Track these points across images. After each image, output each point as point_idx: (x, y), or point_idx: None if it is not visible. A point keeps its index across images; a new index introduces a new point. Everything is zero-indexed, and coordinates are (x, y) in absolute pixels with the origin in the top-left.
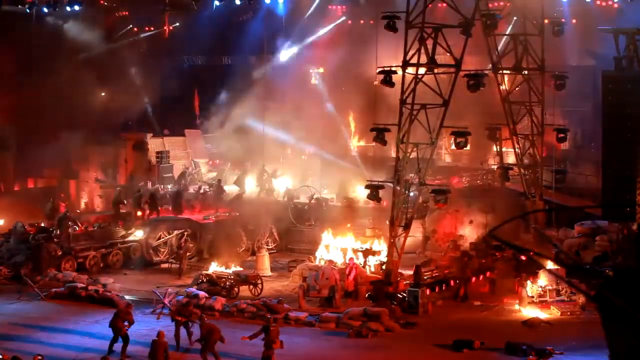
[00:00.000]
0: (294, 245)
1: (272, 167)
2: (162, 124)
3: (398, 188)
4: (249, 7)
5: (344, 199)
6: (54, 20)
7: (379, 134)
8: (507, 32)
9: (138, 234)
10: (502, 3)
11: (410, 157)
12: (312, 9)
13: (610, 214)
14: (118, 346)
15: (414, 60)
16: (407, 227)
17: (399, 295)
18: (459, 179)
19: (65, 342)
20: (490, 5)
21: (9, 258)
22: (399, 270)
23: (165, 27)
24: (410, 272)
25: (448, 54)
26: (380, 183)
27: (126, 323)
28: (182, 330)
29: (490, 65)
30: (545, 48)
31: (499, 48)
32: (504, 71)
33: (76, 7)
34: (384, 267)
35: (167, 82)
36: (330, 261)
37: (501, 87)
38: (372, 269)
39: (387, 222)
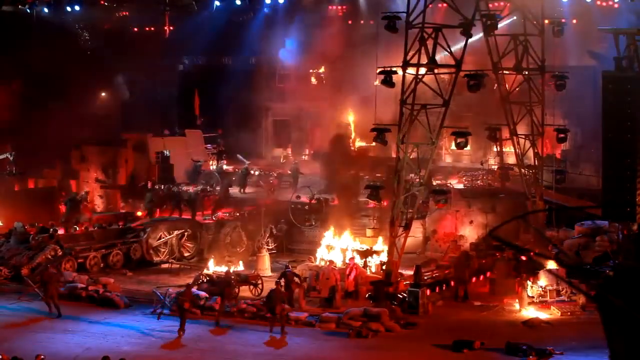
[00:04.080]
0: (294, 245)
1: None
2: (163, 123)
3: (398, 188)
4: (249, 7)
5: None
6: (54, 20)
7: (379, 134)
8: (506, 33)
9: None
10: (502, 3)
11: (411, 157)
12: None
13: (610, 214)
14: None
15: (414, 61)
16: (407, 228)
17: (399, 295)
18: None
19: (65, 342)
20: (490, 5)
21: (10, 258)
22: (399, 271)
23: (165, 27)
24: (411, 273)
25: (448, 54)
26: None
27: None
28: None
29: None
30: (545, 48)
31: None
32: (504, 71)
33: (77, 8)
34: (384, 267)
35: (168, 82)
36: (331, 261)
37: (501, 88)
38: (373, 269)
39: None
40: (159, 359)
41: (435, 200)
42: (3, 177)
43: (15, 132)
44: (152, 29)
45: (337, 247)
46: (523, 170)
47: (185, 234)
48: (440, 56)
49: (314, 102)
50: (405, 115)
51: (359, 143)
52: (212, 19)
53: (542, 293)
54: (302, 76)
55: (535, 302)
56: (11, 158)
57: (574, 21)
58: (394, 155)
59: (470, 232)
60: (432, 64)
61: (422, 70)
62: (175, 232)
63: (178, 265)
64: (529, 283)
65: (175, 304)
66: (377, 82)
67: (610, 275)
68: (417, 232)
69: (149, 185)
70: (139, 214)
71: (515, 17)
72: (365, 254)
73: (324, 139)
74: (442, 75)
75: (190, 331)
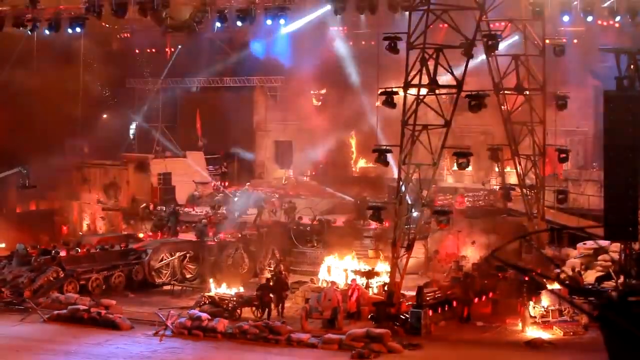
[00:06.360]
0: (296, 266)
1: None
2: (164, 145)
3: (400, 209)
4: (249, 28)
5: None
6: (55, 42)
7: (380, 155)
8: (507, 53)
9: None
10: (503, 24)
11: (413, 177)
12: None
13: (613, 234)
14: None
15: (416, 81)
16: (409, 248)
17: (401, 316)
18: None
19: None
20: (491, 26)
21: (11, 280)
22: (402, 292)
23: (166, 49)
24: (413, 293)
25: (450, 75)
26: (382, 204)
27: None
28: None
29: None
30: (546, 68)
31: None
32: (506, 92)
33: (78, 29)
34: (386, 288)
35: (169, 103)
36: (333, 282)
37: (503, 108)
38: (375, 290)
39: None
40: None
41: (437, 221)
42: (6, 199)
43: (16, 153)
44: (154, 50)
45: (340, 268)
46: (525, 190)
47: (188, 255)
48: (441, 77)
49: (316, 123)
50: (406, 136)
51: (361, 164)
52: (213, 40)
53: (545, 313)
54: (303, 97)
55: (537, 322)
56: (24, 171)
57: (575, 41)
58: (395, 176)
59: (472, 253)
60: (433, 85)
61: (424, 91)
62: (178, 254)
63: (180, 287)
64: (532, 303)
65: (257, 297)
66: (378, 103)
67: (613, 295)
68: (419, 252)
69: (151, 207)
70: (141, 235)
71: (516, 37)
72: (367, 274)
73: (325, 160)
74: (443, 96)
75: (192, 352)
